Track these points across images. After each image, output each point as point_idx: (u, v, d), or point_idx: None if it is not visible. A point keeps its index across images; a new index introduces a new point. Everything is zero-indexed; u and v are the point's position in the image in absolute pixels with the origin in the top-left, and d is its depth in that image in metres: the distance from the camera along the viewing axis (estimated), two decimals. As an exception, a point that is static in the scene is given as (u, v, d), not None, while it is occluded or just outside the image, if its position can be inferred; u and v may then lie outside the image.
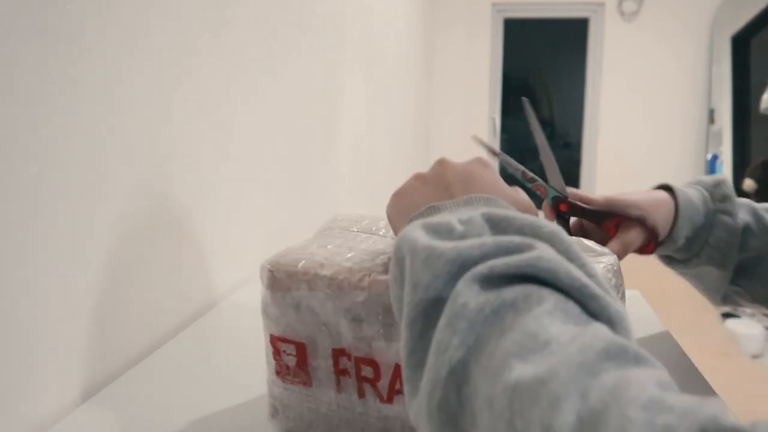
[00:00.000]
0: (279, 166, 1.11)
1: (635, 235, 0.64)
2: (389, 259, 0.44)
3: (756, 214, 0.67)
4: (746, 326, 2.55)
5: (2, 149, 0.45)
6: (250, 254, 0.95)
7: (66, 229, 0.52)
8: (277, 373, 0.45)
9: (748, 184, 3.56)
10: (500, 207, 0.36)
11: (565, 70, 4.55)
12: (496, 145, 4.44)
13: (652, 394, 0.21)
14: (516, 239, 0.30)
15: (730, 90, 3.92)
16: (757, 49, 3.86)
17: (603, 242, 0.63)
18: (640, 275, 1.22)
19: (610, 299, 0.28)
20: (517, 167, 0.65)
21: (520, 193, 0.41)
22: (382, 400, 0.42)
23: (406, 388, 0.31)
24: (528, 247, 0.30)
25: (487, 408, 0.25)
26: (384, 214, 0.52)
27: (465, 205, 0.37)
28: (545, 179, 0.67)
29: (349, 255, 0.44)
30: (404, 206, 0.41)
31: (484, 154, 0.56)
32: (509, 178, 0.51)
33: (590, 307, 0.28)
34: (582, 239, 0.48)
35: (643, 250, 0.66)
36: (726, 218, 0.66)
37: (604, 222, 0.66)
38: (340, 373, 0.43)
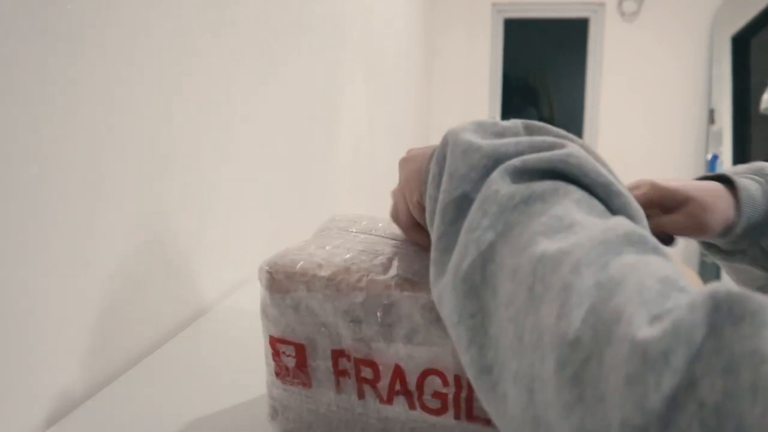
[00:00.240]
0: (279, 166, 1.11)
1: (682, 219, 0.55)
2: (388, 259, 0.44)
3: None
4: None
5: (2, 149, 0.45)
6: (251, 255, 0.95)
7: (66, 229, 0.52)
8: (277, 374, 0.45)
9: (748, 184, 3.55)
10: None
11: (565, 70, 4.55)
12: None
13: (668, 273, 0.22)
14: (549, 139, 0.33)
15: (730, 90, 3.91)
16: (757, 49, 3.86)
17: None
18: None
19: (632, 198, 0.30)
20: None
21: None
22: (381, 400, 0.42)
23: (432, 271, 0.32)
24: (560, 145, 0.32)
25: (510, 278, 0.26)
26: (383, 215, 0.52)
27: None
28: None
29: (348, 256, 0.44)
30: (407, 167, 0.41)
31: None
32: None
33: (614, 203, 0.29)
34: None
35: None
36: None
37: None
38: (339, 374, 0.43)
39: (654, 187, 0.56)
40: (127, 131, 0.61)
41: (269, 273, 0.43)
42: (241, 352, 0.63)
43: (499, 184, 0.30)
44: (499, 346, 0.26)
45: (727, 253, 0.61)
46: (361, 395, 0.43)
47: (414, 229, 0.43)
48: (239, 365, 0.61)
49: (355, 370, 0.42)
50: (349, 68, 1.66)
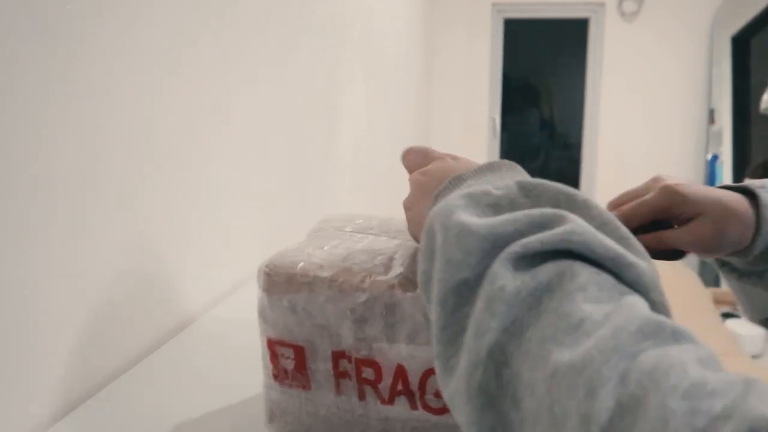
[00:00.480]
0: (279, 167, 1.11)
1: (699, 231, 0.50)
2: (388, 259, 0.43)
3: None
4: (746, 326, 2.55)
5: (2, 149, 0.45)
6: (251, 255, 0.95)
7: (64, 229, 0.52)
8: (275, 377, 0.45)
9: (748, 184, 3.55)
10: (518, 172, 0.37)
11: (566, 70, 4.55)
12: (497, 145, 4.44)
13: (693, 378, 0.21)
14: (548, 212, 0.30)
15: (730, 90, 3.91)
16: (757, 49, 3.86)
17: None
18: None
19: (645, 264, 0.28)
20: None
21: None
22: (383, 401, 0.42)
23: (437, 365, 0.31)
24: (560, 221, 0.30)
25: (529, 395, 0.25)
26: (381, 214, 0.52)
27: (489, 171, 0.37)
28: None
29: (347, 256, 0.44)
30: (424, 189, 0.41)
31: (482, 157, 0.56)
32: None
33: (626, 276, 0.28)
34: None
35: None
36: None
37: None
38: (339, 375, 0.43)
39: (666, 191, 0.50)
40: (127, 131, 0.61)
41: (268, 274, 0.43)
42: (242, 353, 0.63)
43: (503, 278, 0.28)
44: None
45: (741, 273, 0.55)
46: (361, 396, 0.43)
47: None
48: (239, 366, 0.61)
49: (356, 371, 0.42)
50: (349, 68, 1.66)
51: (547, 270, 0.28)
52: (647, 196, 0.52)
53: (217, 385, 0.57)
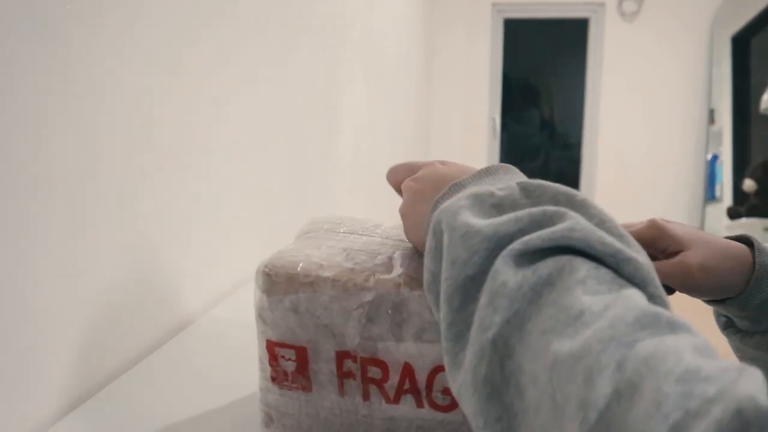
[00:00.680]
0: (279, 166, 1.11)
1: (673, 269, 0.49)
2: (388, 258, 0.43)
3: None
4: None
5: (2, 149, 0.45)
6: (251, 255, 0.95)
7: (66, 229, 0.52)
8: (273, 379, 0.44)
9: (748, 184, 3.56)
10: (516, 174, 0.38)
11: (566, 70, 4.55)
12: (497, 145, 4.44)
13: (688, 364, 0.21)
14: (549, 210, 0.31)
15: (730, 90, 3.92)
16: (757, 49, 3.86)
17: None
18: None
19: (643, 259, 0.29)
20: None
21: None
22: (388, 400, 0.42)
23: (446, 360, 0.32)
24: (560, 218, 0.31)
25: (532, 385, 0.26)
26: (382, 215, 0.52)
27: (488, 175, 0.38)
28: None
29: (347, 256, 0.44)
30: (418, 195, 0.41)
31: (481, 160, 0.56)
32: None
33: (624, 270, 0.29)
34: None
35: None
36: None
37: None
38: (343, 375, 0.42)
39: (653, 225, 0.51)
40: (127, 131, 0.61)
41: (268, 275, 0.42)
42: (242, 353, 0.63)
43: (505, 274, 0.29)
44: None
45: (746, 335, 0.52)
46: (366, 396, 0.42)
47: None
48: (239, 366, 0.61)
49: (361, 371, 0.42)
50: (349, 68, 1.66)
51: (548, 265, 0.29)
52: (633, 228, 0.52)
53: (217, 385, 0.57)
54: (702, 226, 3.97)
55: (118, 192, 0.60)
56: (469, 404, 0.29)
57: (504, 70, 4.42)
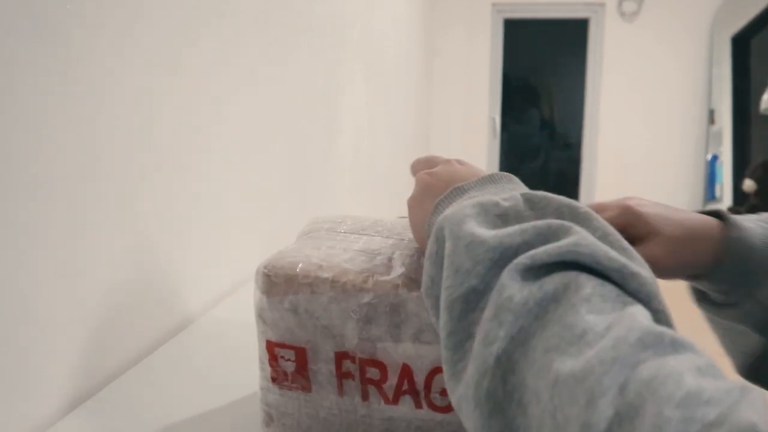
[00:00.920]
0: (279, 166, 1.11)
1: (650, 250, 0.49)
2: (388, 259, 0.43)
3: None
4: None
5: (2, 149, 0.45)
6: (251, 255, 0.95)
7: (66, 229, 0.52)
8: (273, 379, 0.44)
9: (748, 184, 3.56)
10: (517, 183, 0.39)
11: (566, 71, 4.55)
12: (497, 145, 4.44)
13: (690, 387, 0.21)
14: (554, 224, 0.31)
15: (730, 90, 3.92)
16: (757, 49, 3.87)
17: None
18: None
19: (647, 274, 0.29)
20: None
21: None
22: (386, 401, 0.42)
23: (445, 369, 0.32)
24: (566, 232, 0.31)
25: (535, 401, 0.26)
26: (382, 215, 0.52)
27: (491, 183, 0.38)
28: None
29: (346, 256, 0.44)
30: (428, 190, 0.41)
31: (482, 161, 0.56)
32: None
33: (630, 286, 0.29)
34: None
35: None
36: None
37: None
38: (342, 376, 0.42)
39: (625, 211, 0.50)
40: (127, 131, 0.61)
41: (267, 276, 0.42)
42: (242, 353, 0.63)
43: (511, 288, 0.29)
44: None
45: (718, 307, 0.53)
46: (365, 397, 0.42)
47: None
48: (239, 366, 0.61)
49: (359, 371, 0.42)
50: (349, 68, 1.66)
51: (554, 281, 0.29)
52: (606, 214, 0.51)
53: (217, 385, 0.57)
54: (702, 226, 3.96)
55: (118, 192, 0.60)
56: (470, 418, 0.29)
57: (504, 70, 4.42)
